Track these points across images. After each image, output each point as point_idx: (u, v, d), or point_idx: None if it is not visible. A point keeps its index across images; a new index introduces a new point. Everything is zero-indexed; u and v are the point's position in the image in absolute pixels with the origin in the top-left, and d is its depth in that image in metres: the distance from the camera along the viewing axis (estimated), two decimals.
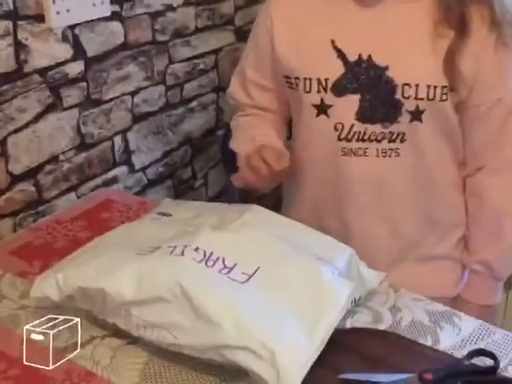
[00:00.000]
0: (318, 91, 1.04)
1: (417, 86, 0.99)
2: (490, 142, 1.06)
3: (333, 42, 1.02)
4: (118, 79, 1.41)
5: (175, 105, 1.59)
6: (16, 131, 1.23)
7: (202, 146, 1.70)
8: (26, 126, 1.24)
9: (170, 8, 1.50)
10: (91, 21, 1.31)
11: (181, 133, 1.62)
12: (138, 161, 1.52)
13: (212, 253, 0.87)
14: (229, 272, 0.84)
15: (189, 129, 1.65)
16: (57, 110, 1.29)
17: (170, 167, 1.62)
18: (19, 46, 1.19)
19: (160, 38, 1.49)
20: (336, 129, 1.04)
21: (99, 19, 1.33)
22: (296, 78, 1.06)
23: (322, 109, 1.05)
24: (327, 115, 1.05)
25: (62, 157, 1.33)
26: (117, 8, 1.36)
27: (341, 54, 1.02)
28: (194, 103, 1.64)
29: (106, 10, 1.33)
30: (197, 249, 0.87)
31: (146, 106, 1.50)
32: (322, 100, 1.04)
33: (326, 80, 1.03)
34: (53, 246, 1.17)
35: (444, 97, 1.01)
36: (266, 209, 1.00)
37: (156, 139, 1.55)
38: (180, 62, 1.57)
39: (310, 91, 1.04)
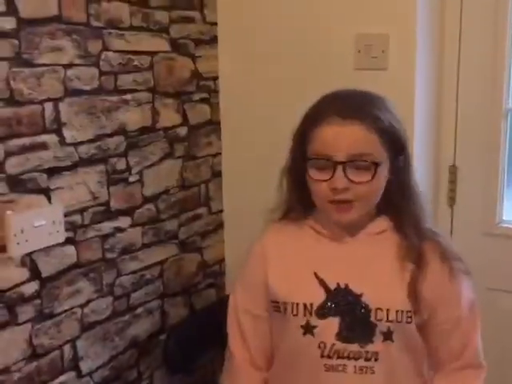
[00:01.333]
0: (304, 314, 1.24)
1: (387, 310, 1.21)
2: (463, 346, 1.28)
3: (315, 273, 1.25)
4: (69, 294, 1.61)
5: (122, 312, 1.77)
6: None
7: (147, 349, 1.86)
8: None
9: (119, 230, 1.74)
10: (47, 247, 1.54)
11: (127, 337, 1.79)
12: (85, 366, 1.67)
13: None
14: None
15: (134, 333, 1.82)
16: (11, 326, 1.47)
17: (115, 370, 1.76)
18: None
19: (109, 255, 1.72)
20: (319, 347, 1.24)
21: (54, 245, 1.55)
22: (284, 303, 1.26)
23: (308, 329, 1.24)
24: (312, 334, 1.24)
25: (13, 367, 1.48)
26: (71, 234, 1.60)
27: (322, 283, 1.24)
28: (140, 309, 1.83)
29: (61, 237, 1.56)
30: None
31: (94, 315, 1.68)
32: (307, 321, 1.24)
33: (311, 304, 1.24)
34: None
35: (409, 319, 1.23)
36: None
37: (103, 345, 1.72)
38: (127, 274, 1.78)
39: (297, 314, 1.25)
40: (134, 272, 1.80)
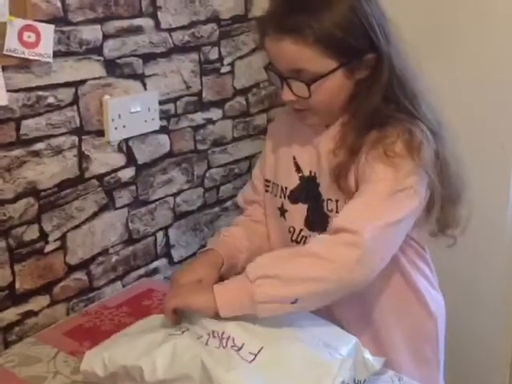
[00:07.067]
0: (280, 196, 1.27)
1: (337, 201, 1.18)
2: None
3: (294, 158, 1.25)
4: (162, 182, 1.62)
5: (212, 205, 1.78)
6: (74, 228, 1.43)
7: None
8: (84, 223, 1.45)
9: (210, 121, 1.72)
10: (143, 134, 1.54)
11: (216, 229, 1.81)
12: (176, 254, 1.71)
13: (224, 332, 1.02)
14: (239, 350, 1.00)
15: (223, 225, 1.82)
16: (109, 210, 1.50)
17: None
18: (82, 157, 1.41)
19: (200, 147, 1.71)
20: (290, 231, 1.26)
21: (149, 132, 1.55)
22: (270, 182, 1.30)
23: (282, 212, 1.27)
24: (285, 218, 1.27)
25: (111, 250, 1.52)
26: (164, 123, 1.59)
27: (298, 169, 1.25)
28: (228, 203, 1.84)
29: (156, 125, 1.56)
30: (213, 332, 1.03)
31: (185, 205, 1.70)
32: (282, 204, 1.27)
33: (286, 188, 1.26)
34: (100, 329, 1.34)
35: None
36: None
37: (193, 235, 1.74)
38: (217, 167, 1.78)
39: (276, 195, 1.28)
40: (223, 165, 1.80)
